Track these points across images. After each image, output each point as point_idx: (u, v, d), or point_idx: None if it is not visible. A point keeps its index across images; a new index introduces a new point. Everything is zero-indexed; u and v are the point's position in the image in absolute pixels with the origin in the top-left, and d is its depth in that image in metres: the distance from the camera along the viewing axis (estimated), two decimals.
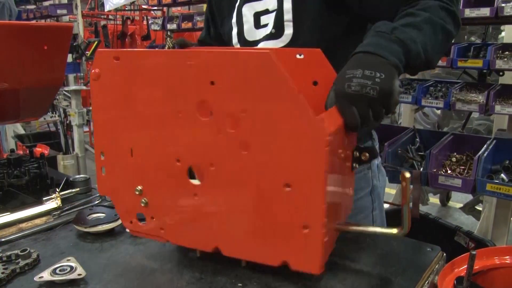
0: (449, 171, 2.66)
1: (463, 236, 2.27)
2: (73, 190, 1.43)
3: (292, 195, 0.79)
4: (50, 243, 1.10)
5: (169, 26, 4.96)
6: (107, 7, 5.67)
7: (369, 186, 1.32)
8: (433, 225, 2.29)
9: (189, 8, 7.81)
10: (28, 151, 1.66)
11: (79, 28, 6.23)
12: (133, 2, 7.03)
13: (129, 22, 7.66)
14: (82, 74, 5.69)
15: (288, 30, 1.22)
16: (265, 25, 1.27)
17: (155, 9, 7.55)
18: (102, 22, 8.00)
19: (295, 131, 0.76)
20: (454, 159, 2.71)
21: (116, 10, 6.52)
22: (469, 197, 3.75)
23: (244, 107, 0.79)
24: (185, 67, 0.83)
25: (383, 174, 1.39)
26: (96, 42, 4.81)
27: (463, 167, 2.64)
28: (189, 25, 4.76)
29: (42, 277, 0.89)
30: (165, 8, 5.83)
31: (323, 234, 0.78)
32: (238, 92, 0.79)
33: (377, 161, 1.36)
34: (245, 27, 1.32)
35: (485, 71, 3.28)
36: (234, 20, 1.35)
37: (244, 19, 1.32)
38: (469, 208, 3.73)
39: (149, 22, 5.36)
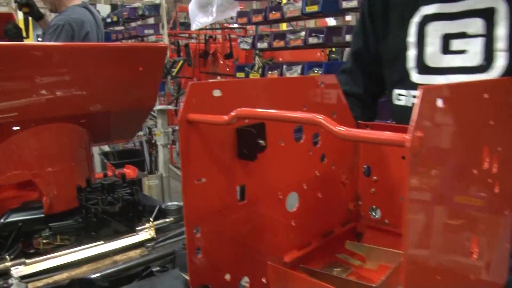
0: None
1: None
2: (167, 220, 1.35)
3: None
4: None
5: (259, 45, 4.83)
6: (194, 26, 5.74)
7: None
8: None
9: (270, 26, 7.82)
10: (118, 174, 1.61)
11: None
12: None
13: (211, 41, 7.75)
14: (162, 92, 5.82)
15: (500, 62, 1.01)
16: (460, 52, 1.07)
17: (236, 28, 7.60)
18: (184, 41, 8.17)
19: None
20: None
21: (199, 29, 6.62)
22: None
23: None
24: (481, 102, 0.66)
25: None
26: (181, 62, 4.87)
27: None
28: (281, 43, 4.56)
29: None
30: (248, 27, 5.82)
31: None
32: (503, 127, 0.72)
33: None
34: (428, 50, 1.12)
35: None
36: (412, 39, 1.15)
37: (428, 39, 1.12)
38: None
39: (238, 41, 5.30)
